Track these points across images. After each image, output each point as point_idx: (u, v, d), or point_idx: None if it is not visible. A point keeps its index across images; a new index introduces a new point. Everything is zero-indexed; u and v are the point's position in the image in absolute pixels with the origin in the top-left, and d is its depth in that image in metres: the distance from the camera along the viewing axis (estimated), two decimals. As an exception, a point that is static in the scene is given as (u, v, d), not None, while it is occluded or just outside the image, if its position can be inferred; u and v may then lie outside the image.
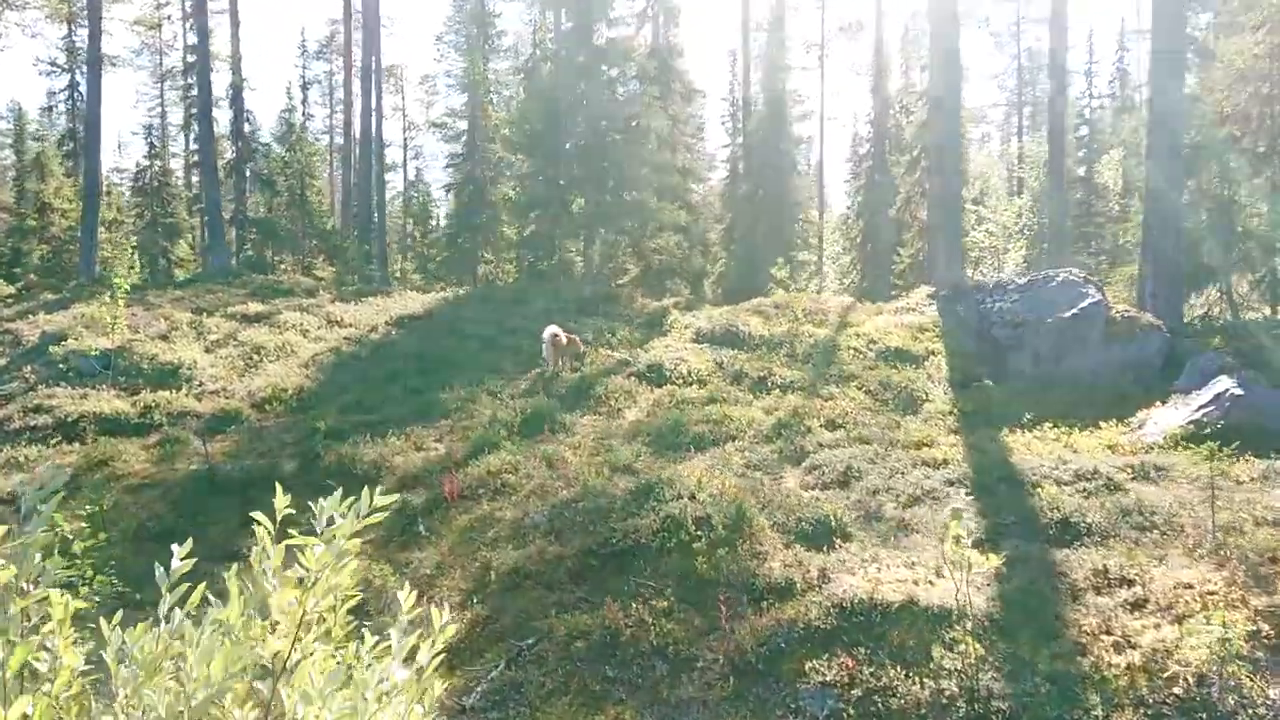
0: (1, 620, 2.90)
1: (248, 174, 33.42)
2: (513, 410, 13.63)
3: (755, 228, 39.84)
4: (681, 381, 15.91)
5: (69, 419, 13.80)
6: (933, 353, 17.27)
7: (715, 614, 7.38)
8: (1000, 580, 6.68)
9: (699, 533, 8.09)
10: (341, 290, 23.52)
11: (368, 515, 2.69)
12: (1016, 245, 49.12)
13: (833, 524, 8.55)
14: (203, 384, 15.94)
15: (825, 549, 8.18)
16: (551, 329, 16.27)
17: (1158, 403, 11.58)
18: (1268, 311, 17.22)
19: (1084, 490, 8.94)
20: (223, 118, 36.03)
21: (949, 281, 22.73)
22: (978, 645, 6.11)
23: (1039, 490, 9.06)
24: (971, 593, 6.71)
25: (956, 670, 6.08)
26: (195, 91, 41.34)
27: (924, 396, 14.73)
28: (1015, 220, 49.59)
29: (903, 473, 10.21)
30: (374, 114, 34.88)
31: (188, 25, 45.84)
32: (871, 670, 6.27)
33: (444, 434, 13.29)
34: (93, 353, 16.35)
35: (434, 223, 55.05)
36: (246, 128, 33.65)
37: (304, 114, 54.87)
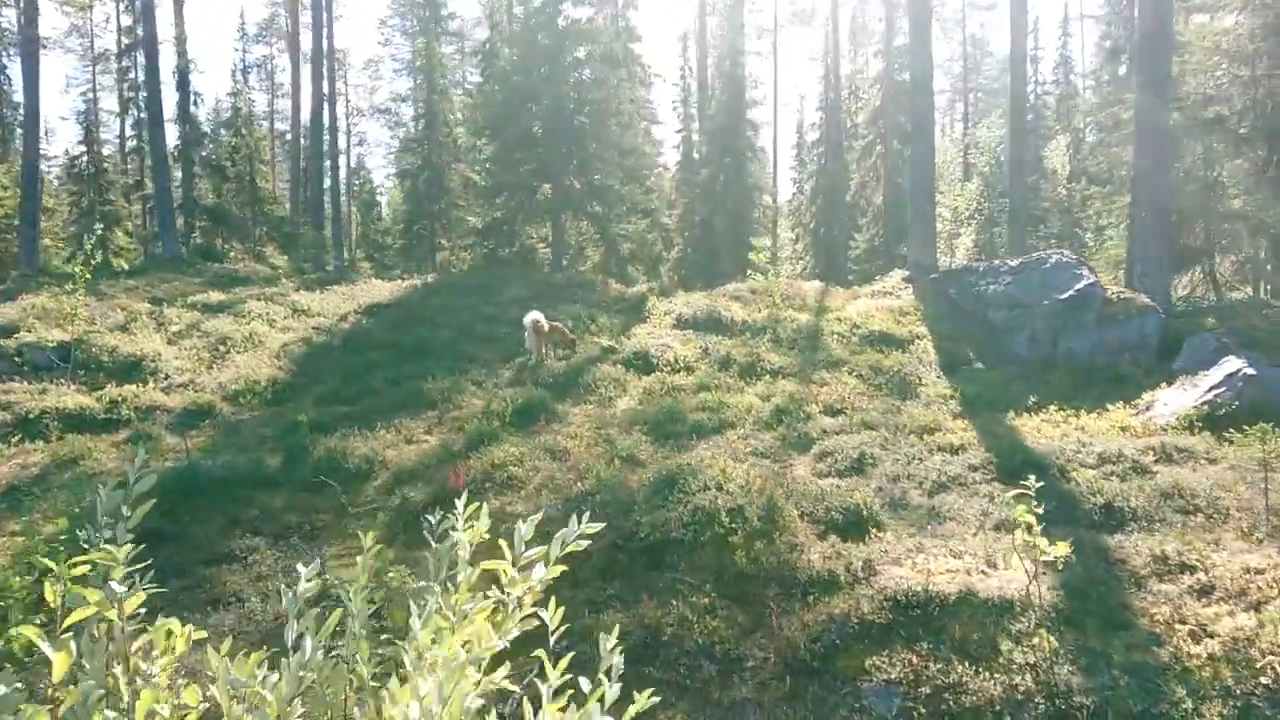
0: (104, 658, 2.48)
1: (196, 160, 32.15)
2: (503, 400, 13.17)
3: (715, 213, 39.61)
4: (669, 369, 15.61)
5: (29, 415, 13.00)
6: (917, 336, 17.18)
7: (759, 610, 7.09)
8: (1058, 569, 6.45)
9: (733, 525, 7.76)
10: (303, 279, 22.75)
11: (571, 543, 2.37)
12: (968, 229, 49.63)
13: (864, 513, 8.29)
14: (169, 377, 15.19)
15: (861, 539, 7.93)
16: (533, 315, 15.82)
17: (1163, 384, 11.54)
18: (1249, 291, 17.44)
19: (1112, 474, 8.80)
20: (167, 101, 34.64)
21: (924, 264, 22.71)
22: (1050, 638, 5.88)
23: (1068, 475, 8.91)
24: (1031, 583, 6.50)
25: (1029, 664, 5.84)
26: (134, 74, 39.93)
27: (917, 380, 14.60)
28: (967, 205, 50.08)
29: (920, 459, 10.00)
30: (326, 99, 33.88)
31: (121, 6, 44.16)
32: (938, 666, 6.01)
33: (433, 426, 12.80)
34: (49, 345, 15.49)
35: (378, 210, 53.90)
36: (194, 111, 32.34)
37: (247, 99, 53.31)
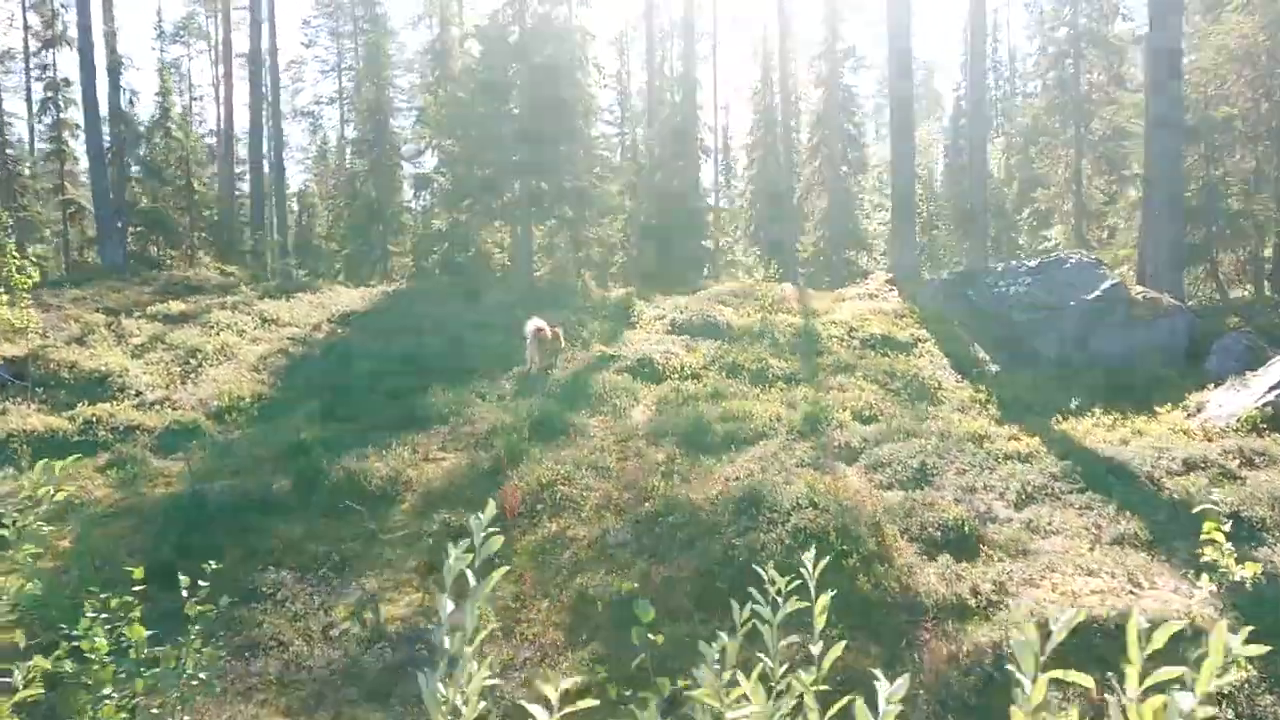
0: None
1: (132, 161, 30.32)
2: (516, 414, 12.41)
3: (668, 216, 39.12)
4: (677, 376, 15.01)
5: (-7, 439, 11.78)
6: (919, 340, 16.88)
7: (892, 640, 6.53)
8: (1246, 589, 6.02)
9: (844, 546, 7.18)
10: (263, 286, 21.50)
11: None
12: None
13: (965, 529, 7.80)
14: (140, 394, 14.01)
15: (970, 558, 7.43)
16: (536, 322, 15.05)
17: (1209, 386, 11.36)
18: (1249, 289, 17.61)
19: (1205, 481, 8.47)
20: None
21: (906, 266, 22.54)
22: (1246, 664, 5.44)
23: (1159, 482, 8.57)
24: (1194, 603, 6.06)
25: (1224, 694, 5.39)
26: (52, 72, 37.68)
27: (936, 385, 14.25)
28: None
29: (987, 468, 9.57)
30: (269, 101, 32.43)
31: (27, 2, 41.70)
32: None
33: (446, 442, 11.96)
34: None
35: (304, 216, 51.95)
36: (130, 110, 30.47)
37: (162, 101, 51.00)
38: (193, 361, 15.50)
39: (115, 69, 30.66)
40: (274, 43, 31.85)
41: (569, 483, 9.49)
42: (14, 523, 4.38)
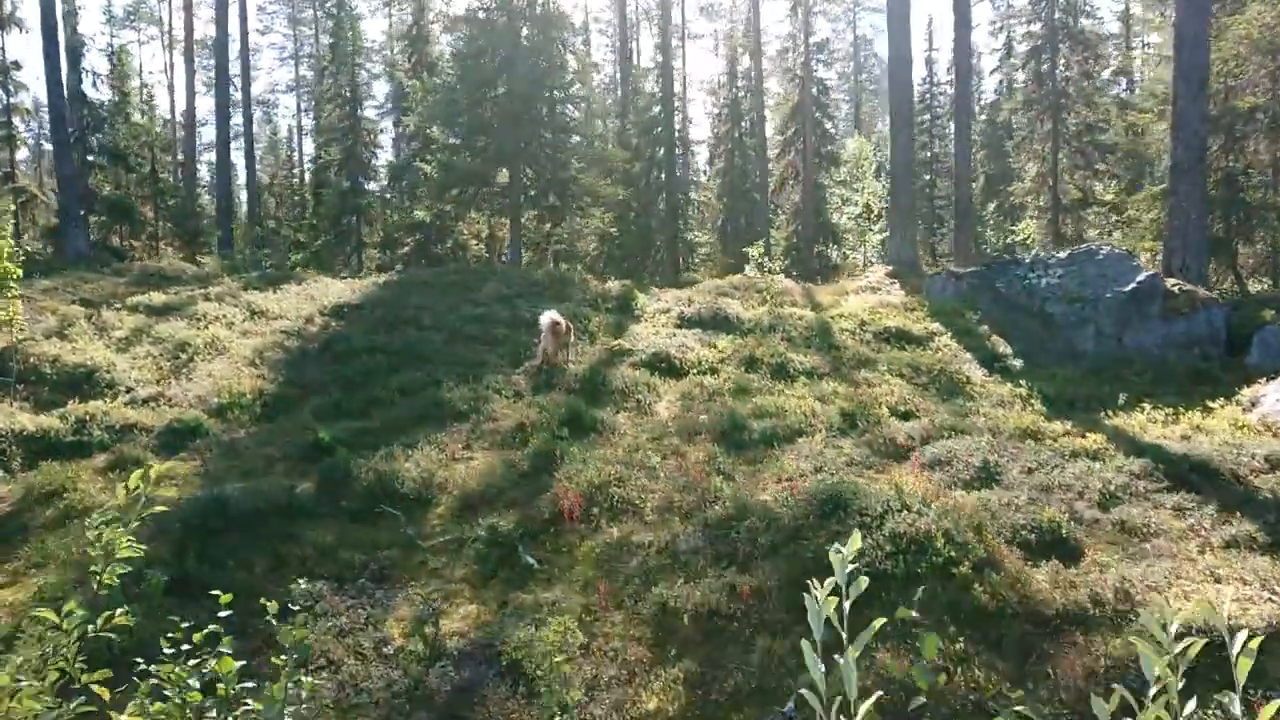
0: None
1: (96, 147, 28.95)
2: (542, 410, 11.81)
3: (648, 207, 38.56)
4: (696, 371, 14.50)
5: (-21, 440, 10.90)
6: (933, 333, 16.54)
7: (1015, 653, 6.08)
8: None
9: (952, 553, 6.71)
10: (243, 277, 20.54)
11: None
12: (879, 227, 50.10)
13: (1062, 531, 7.38)
14: (131, 390, 13.14)
15: (1073, 561, 7.02)
16: (552, 315, 14.43)
17: (1263, 379, 11.11)
18: (1268, 282, 17.53)
19: (1294, 478, 8.16)
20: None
21: (905, 258, 22.24)
22: None
23: (1245, 481, 8.23)
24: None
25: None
26: (1, 55, 36.03)
27: (964, 379, 13.91)
28: (876, 202, 50.50)
29: (1055, 466, 9.20)
30: (239, 87, 31.25)
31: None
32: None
33: (471, 440, 11.32)
34: (-23, 356, 13.23)
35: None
36: (91, 93, 29.10)
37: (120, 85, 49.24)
38: (183, 355, 14.63)
39: (76, 51, 29.30)
40: (244, 25, 30.66)
41: (622, 484, 8.92)
42: (98, 537, 3.75)
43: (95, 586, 3.95)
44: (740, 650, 6.45)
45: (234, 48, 33.45)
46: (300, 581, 8.16)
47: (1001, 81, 53.20)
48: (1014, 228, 46.23)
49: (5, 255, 12.78)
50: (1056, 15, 37.28)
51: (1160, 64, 21.15)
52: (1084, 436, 10.17)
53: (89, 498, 9.65)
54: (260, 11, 74.73)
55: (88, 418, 11.53)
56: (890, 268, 21.76)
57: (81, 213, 26.84)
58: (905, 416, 12.10)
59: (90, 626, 3.77)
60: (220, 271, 22.05)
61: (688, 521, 8.11)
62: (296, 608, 7.86)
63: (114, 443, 11.25)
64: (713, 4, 61.38)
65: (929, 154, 55.46)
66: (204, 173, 53.34)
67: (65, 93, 24.77)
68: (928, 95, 56.65)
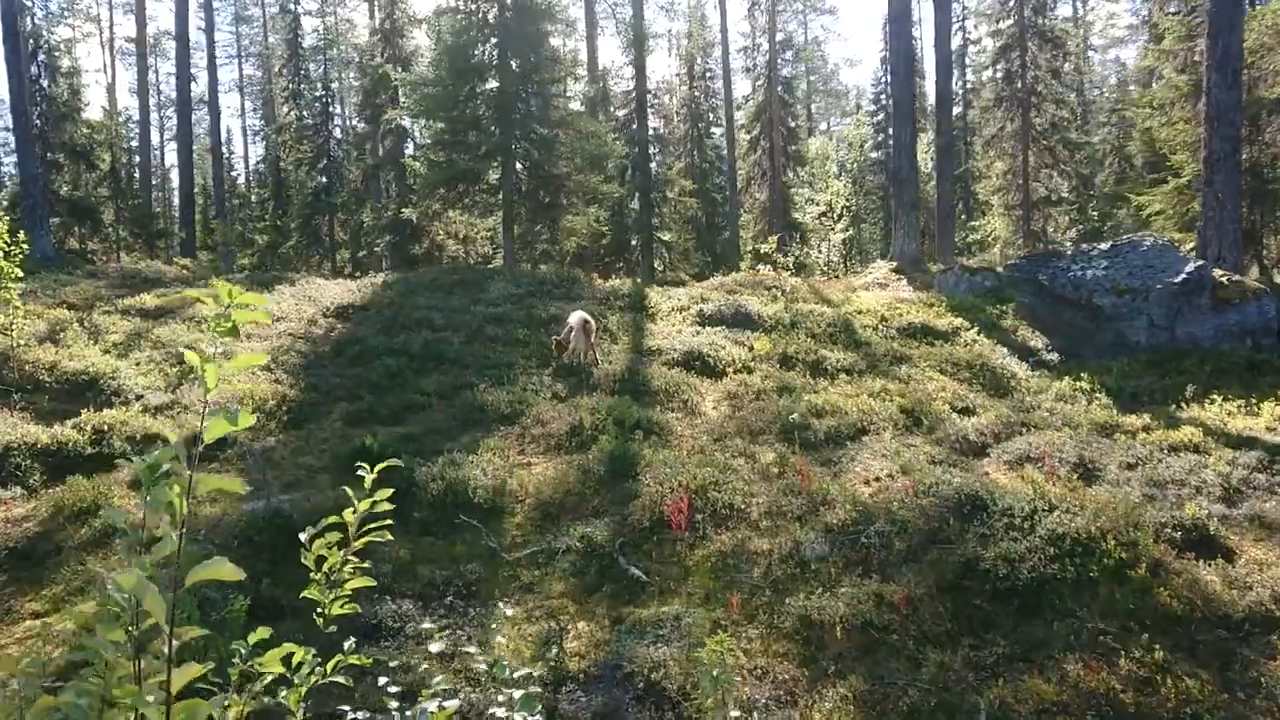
0: None
1: (57, 145, 27.49)
2: (591, 412, 11.25)
3: (624, 208, 38.01)
4: (731, 369, 14.06)
5: (-12, 453, 9.99)
6: (958, 328, 16.32)
7: (1211, 660, 5.70)
8: None
9: (1123, 554, 6.32)
10: (233, 279, 19.57)
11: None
12: (842, 225, 50.25)
13: (1209, 529, 7.04)
14: (142, 397, 12.27)
15: (1226, 559, 6.69)
16: (582, 314, 13.91)
17: (1331, 369, 11.01)
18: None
19: None
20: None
21: (909, 254, 22.04)
22: None
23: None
24: None
25: None
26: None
27: (1008, 374, 13.64)
28: (839, 201, 50.66)
29: (1156, 461, 8.90)
30: (193, 83, 29.99)
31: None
32: None
33: (525, 445, 10.72)
34: (-36, 362, 12.26)
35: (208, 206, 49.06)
36: (56, 89, 27.60)
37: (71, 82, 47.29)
38: (187, 361, 13.74)
39: (35, 39, 27.86)
40: (210, 17, 29.47)
41: (719, 488, 8.40)
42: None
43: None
44: (907, 665, 5.98)
45: (174, 47, 32.24)
46: (386, 598, 7.59)
47: (965, 80, 53.69)
48: (974, 224, 46.68)
49: (4, 255, 11.77)
50: (1027, 13, 37.58)
51: (1161, 58, 21.23)
52: (1165, 430, 9.91)
53: (131, 515, 8.84)
54: (201, 8, 72.55)
55: (106, 428, 10.67)
56: (894, 264, 21.55)
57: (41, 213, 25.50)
58: (963, 412, 11.79)
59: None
60: (204, 274, 21.03)
61: (804, 527, 7.62)
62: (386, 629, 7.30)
63: (137, 454, 10.42)
64: (672, 3, 61.19)
65: (884, 154, 55.41)
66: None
67: (26, 88, 23.49)
68: (881, 95, 56.66)
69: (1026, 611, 6.18)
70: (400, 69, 28.92)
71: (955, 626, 6.20)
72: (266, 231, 36.63)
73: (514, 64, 22.17)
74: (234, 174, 53.32)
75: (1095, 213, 39.66)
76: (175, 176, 44.60)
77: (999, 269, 16.69)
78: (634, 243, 38.38)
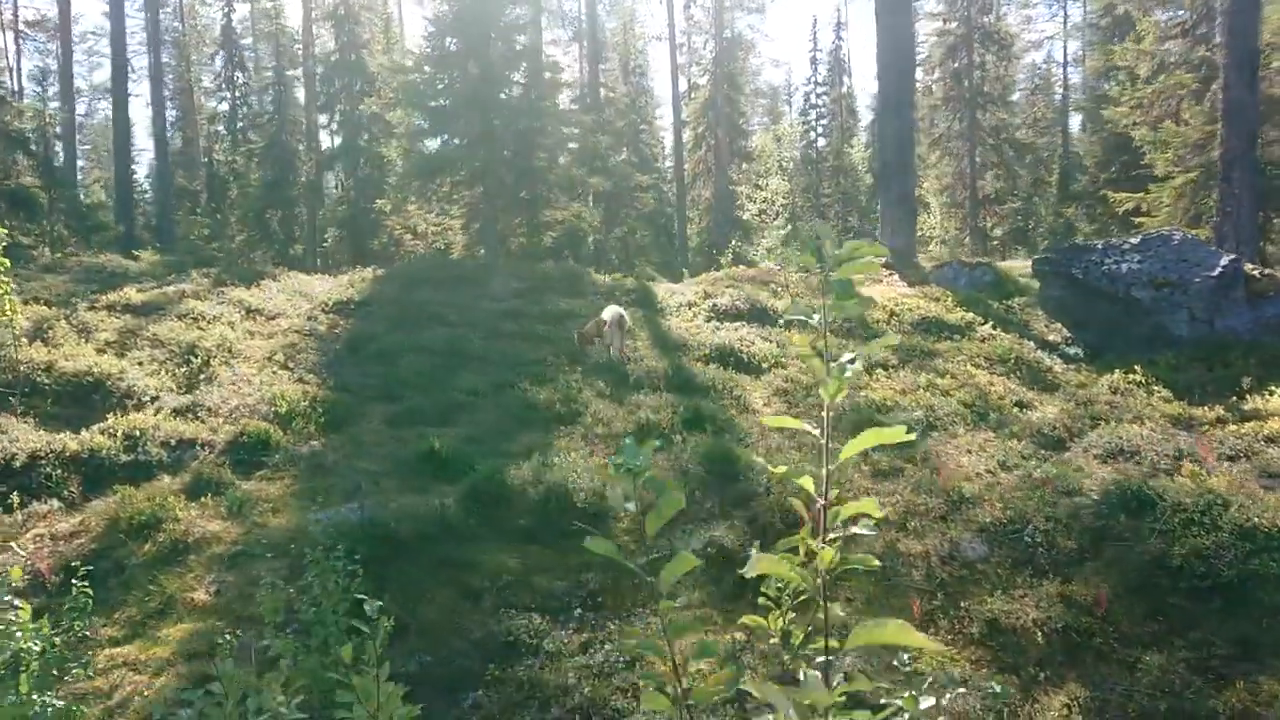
0: None
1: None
2: (654, 409, 10.84)
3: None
4: (765, 364, 13.77)
5: (15, 463, 9.05)
6: (970, 322, 16.29)
7: None
8: None
9: (1311, 551, 6.18)
10: (214, 274, 18.47)
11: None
12: (782, 221, 50.55)
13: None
14: (156, 399, 11.34)
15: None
16: (616, 309, 13.45)
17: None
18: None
19: None
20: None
21: (903, 249, 22.06)
22: None
23: None
24: None
25: None
26: None
27: (1045, 368, 13.65)
28: (778, 198, 50.94)
29: (1258, 453, 8.92)
30: (131, 68, 28.40)
31: None
32: None
33: (593, 445, 10.22)
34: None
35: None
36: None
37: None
38: (193, 360, 12.81)
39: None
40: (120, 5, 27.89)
41: (837, 486, 8.05)
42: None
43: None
44: (1119, 670, 5.73)
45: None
46: (511, 612, 7.05)
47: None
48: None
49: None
50: (974, 13, 38.28)
51: (1139, 58, 21.68)
52: (1243, 422, 9.97)
53: (191, 529, 8.07)
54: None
55: (137, 433, 9.79)
56: (886, 260, 21.55)
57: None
58: (1019, 406, 11.72)
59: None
60: (172, 269, 19.80)
61: (949, 527, 7.33)
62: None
63: (174, 461, 9.60)
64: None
65: (814, 152, 55.49)
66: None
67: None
68: (811, 94, 56.43)
69: (1231, 609, 5.99)
70: (354, 55, 27.91)
71: (1159, 626, 5.98)
72: (205, 225, 34.94)
73: (494, 54, 21.46)
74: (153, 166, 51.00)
75: (1046, 212, 40.55)
76: (108, 168, 42.29)
77: (1033, 259, 16.68)
78: (590, 240, 37.91)
